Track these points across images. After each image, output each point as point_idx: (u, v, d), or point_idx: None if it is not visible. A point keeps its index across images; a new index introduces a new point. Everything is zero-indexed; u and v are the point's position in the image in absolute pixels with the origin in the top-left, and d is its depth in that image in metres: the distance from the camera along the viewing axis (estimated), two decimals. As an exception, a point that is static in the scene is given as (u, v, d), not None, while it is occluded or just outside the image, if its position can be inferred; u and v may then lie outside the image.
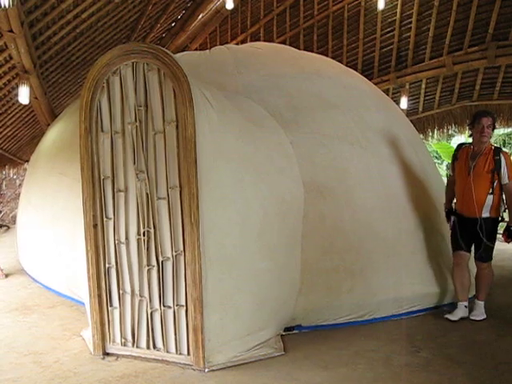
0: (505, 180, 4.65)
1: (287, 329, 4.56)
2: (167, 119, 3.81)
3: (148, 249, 3.94)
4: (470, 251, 4.93)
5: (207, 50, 6.57)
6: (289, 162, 4.61)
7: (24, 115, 10.06)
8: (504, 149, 5.65)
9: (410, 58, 9.46)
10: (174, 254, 3.85)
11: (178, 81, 3.72)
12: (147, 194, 3.89)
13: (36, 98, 7.96)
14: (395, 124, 5.89)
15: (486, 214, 4.72)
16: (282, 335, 4.44)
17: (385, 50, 9.72)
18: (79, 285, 4.73)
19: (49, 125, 8.44)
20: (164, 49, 3.85)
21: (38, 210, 6.07)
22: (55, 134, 6.74)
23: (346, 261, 4.68)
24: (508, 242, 4.71)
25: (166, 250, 3.89)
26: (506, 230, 4.69)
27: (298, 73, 5.72)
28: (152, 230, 3.91)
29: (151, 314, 3.98)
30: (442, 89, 10.00)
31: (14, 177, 14.98)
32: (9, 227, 12.80)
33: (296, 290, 4.48)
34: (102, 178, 4.01)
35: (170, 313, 3.93)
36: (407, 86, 9.69)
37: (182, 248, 3.81)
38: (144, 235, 3.92)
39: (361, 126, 5.32)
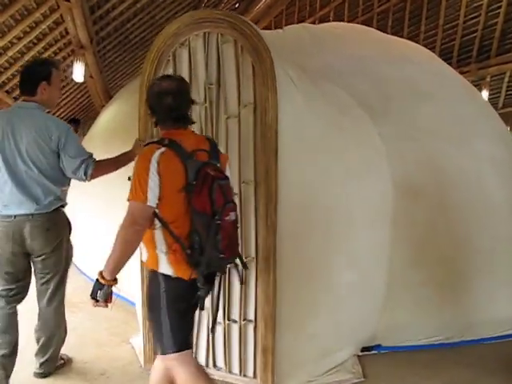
0: None
1: (365, 349, 3.96)
2: (243, 101, 3.22)
3: None
4: None
5: (280, 30, 5.91)
6: (377, 158, 3.96)
7: (78, 95, 9.69)
8: None
9: (495, 47, 8.59)
10: (244, 260, 3.27)
11: (258, 56, 3.13)
12: None
13: (91, 76, 7.55)
14: (487, 118, 5.14)
15: None
16: (358, 356, 3.86)
17: (467, 38, 8.86)
18: (130, 282, 4.22)
19: (103, 106, 8.01)
20: (243, 17, 3.26)
21: (89, 196, 5.58)
22: (109, 116, 6.26)
23: (436, 274, 4.00)
24: None
25: None
26: None
27: (384, 56, 5.02)
28: None
29: (212, 328, 3.40)
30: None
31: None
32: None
33: (379, 305, 3.86)
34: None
35: (235, 328, 3.38)
36: (488, 79, 8.83)
37: (253, 254, 3.24)
38: None
39: (455, 120, 4.60)
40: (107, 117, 6.30)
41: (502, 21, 8.32)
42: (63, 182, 3.27)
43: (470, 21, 8.73)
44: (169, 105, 2.48)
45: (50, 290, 3.34)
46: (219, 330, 3.42)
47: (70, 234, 3.42)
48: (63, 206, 3.34)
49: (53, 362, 3.52)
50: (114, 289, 2.51)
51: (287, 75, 3.30)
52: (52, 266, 3.29)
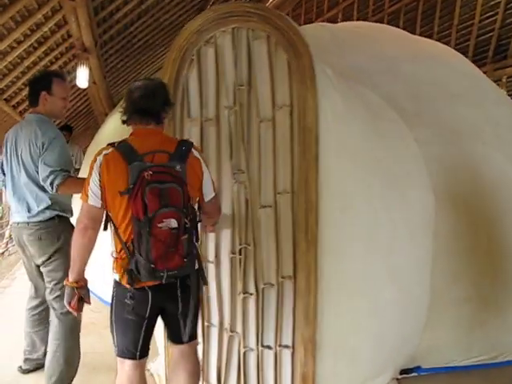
0: None
1: (404, 371, 3.63)
2: (278, 102, 2.91)
3: (245, 271, 3.04)
4: None
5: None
6: (416, 164, 3.64)
7: (78, 103, 9.37)
8: None
9: (513, 47, 8.30)
10: (281, 279, 2.96)
11: (295, 51, 2.83)
12: (247, 200, 3.01)
13: (94, 82, 7.18)
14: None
15: None
16: (397, 379, 3.54)
17: (482, 37, 8.55)
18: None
19: (106, 114, 7.69)
20: (276, 10, 2.95)
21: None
22: (116, 123, 5.91)
23: (480, 289, 3.67)
24: None
25: (269, 274, 3.00)
26: None
27: (410, 56, 4.71)
28: (251, 248, 3.01)
29: (244, 354, 3.10)
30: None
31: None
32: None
33: (421, 324, 3.54)
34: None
35: (269, 355, 3.05)
36: (504, 80, 8.53)
37: (291, 272, 2.92)
38: (240, 253, 3.03)
39: (489, 122, 4.29)
40: (114, 124, 5.95)
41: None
42: None
43: (486, 20, 8.41)
44: (135, 99, 2.43)
45: (55, 303, 3.30)
46: (251, 357, 3.10)
47: None
48: (63, 216, 3.33)
49: None
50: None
51: (325, 73, 3.00)
52: (53, 274, 3.29)
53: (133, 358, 2.48)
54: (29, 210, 3.21)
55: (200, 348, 3.11)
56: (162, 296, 2.43)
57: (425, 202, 3.54)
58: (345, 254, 2.98)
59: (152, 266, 2.21)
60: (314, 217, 2.81)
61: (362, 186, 3.11)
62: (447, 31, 8.80)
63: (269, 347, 3.03)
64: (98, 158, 2.35)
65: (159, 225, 2.18)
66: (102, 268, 4.52)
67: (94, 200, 2.34)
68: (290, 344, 2.97)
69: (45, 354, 3.35)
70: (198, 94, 3.07)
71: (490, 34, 8.48)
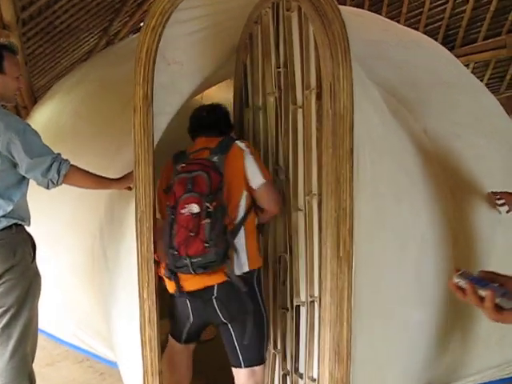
0: None
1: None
2: (308, 85, 2.36)
3: (284, 283, 2.68)
4: None
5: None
6: (431, 162, 3.16)
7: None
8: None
9: (460, 37, 8.11)
10: (310, 299, 2.44)
11: (323, 20, 2.22)
12: (284, 201, 2.63)
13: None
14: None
15: None
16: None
17: (431, 27, 8.30)
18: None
19: (25, 107, 6.72)
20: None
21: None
22: (48, 118, 4.97)
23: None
24: None
25: (300, 291, 2.54)
26: None
27: (396, 41, 4.22)
28: (287, 256, 2.58)
29: (283, 377, 2.65)
30: (490, 75, 8.66)
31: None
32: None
33: (446, 344, 3.08)
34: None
35: (301, 385, 2.51)
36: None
37: (317, 293, 2.37)
38: (279, 262, 2.64)
39: (484, 111, 3.93)
40: (44, 119, 5.04)
41: (470, 8, 7.81)
42: (11, 194, 2.57)
43: (436, 8, 8.18)
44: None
45: (4, 333, 2.57)
46: (288, 382, 2.66)
47: (33, 257, 2.71)
48: (20, 225, 2.65)
49: None
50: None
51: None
52: (4, 295, 2.54)
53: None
54: None
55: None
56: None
57: (443, 203, 3.06)
58: (379, 270, 2.45)
59: (175, 252, 2.21)
60: (349, 228, 2.22)
61: (391, 184, 2.59)
62: (395, 19, 8.46)
63: (301, 376, 2.54)
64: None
65: (182, 211, 2.22)
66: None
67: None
68: (315, 377, 2.42)
69: None
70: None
71: (439, 23, 8.29)
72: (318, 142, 2.36)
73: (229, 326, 2.42)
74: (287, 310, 2.59)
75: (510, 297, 1.01)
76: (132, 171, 2.56)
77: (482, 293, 1.04)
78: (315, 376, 2.43)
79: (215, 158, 2.34)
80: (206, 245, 2.17)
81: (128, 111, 3.15)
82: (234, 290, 2.31)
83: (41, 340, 3.49)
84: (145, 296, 2.46)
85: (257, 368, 2.45)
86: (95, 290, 3.41)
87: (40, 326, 3.01)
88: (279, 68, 2.55)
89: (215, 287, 2.32)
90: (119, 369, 3.03)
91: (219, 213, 2.23)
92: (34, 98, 6.98)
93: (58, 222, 3.88)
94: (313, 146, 2.39)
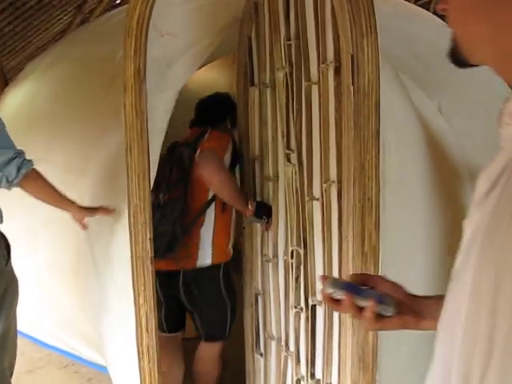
0: None
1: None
2: (325, 59, 2.05)
3: (297, 279, 2.38)
4: None
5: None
6: (447, 141, 2.90)
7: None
8: None
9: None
10: None
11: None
12: (297, 189, 2.29)
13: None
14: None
15: None
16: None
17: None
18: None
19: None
20: None
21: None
22: (20, 101, 4.60)
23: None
24: None
25: (317, 290, 2.26)
26: None
27: (392, 11, 3.90)
28: (301, 250, 2.29)
29: (297, 382, 2.41)
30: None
31: None
32: None
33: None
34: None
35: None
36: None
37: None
38: (292, 256, 2.38)
39: (490, 89, 3.68)
40: (16, 102, 4.64)
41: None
42: None
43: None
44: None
45: None
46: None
47: (7, 259, 2.39)
48: None
49: None
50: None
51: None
52: None
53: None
54: None
55: (261, 362, 2.78)
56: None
57: (462, 190, 2.81)
58: (406, 266, 2.19)
59: None
60: (375, 221, 1.95)
61: (416, 170, 2.34)
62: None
63: (318, 383, 2.30)
64: None
65: None
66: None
67: None
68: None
69: None
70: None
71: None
72: (336, 122, 2.06)
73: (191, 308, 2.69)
74: (301, 309, 2.35)
75: (388, 302, 0.93)
76: (99, 208, 2.43)
77: (362, 303, 0.94)
78: (334, 383, 2.19)
79: (186, 153, 2.56)
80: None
81: (113, 92, 2.86)
82: (188, 279, 2.59)
83: (20, 344, 3.19)
84: (141, 302, 2.18)
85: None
86: (79, 289, 3.12)
87: (18, 327, 2.74)
88: (289, 40, 2.27)
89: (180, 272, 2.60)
90: (109, 374, 2.77)
91: (170, 205, 2.48)
92: (5, 79, 6.60)
93: (34, 215, 3.53)
94: (330, 128, 2.10)
